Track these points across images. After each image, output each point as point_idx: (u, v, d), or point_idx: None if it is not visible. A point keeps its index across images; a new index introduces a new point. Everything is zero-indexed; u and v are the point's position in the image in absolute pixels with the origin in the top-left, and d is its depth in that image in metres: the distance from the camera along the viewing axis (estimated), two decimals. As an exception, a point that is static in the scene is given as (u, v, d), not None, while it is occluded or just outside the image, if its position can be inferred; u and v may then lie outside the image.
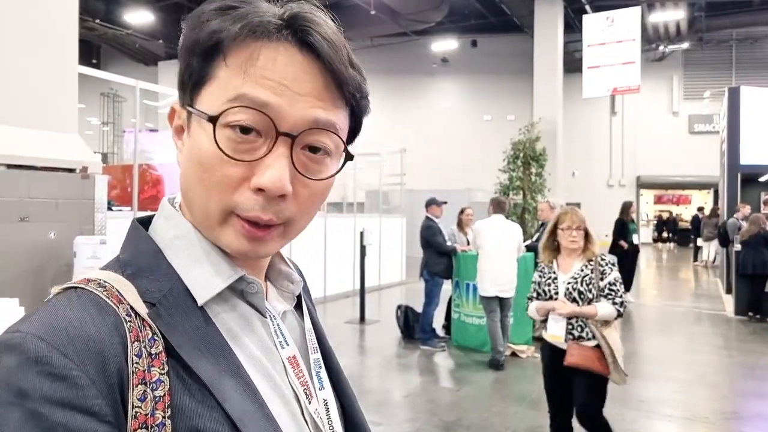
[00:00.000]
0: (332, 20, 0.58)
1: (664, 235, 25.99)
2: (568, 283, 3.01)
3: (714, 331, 7.62)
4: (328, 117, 0.55)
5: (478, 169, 20.85)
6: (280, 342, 0.61)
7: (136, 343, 0.49)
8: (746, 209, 9.40)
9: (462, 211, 6.83)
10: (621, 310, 2.94)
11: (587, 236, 3.05)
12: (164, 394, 0.49)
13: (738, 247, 8.31)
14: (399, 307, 6.76)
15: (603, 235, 9.71)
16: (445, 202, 6.71)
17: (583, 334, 2.96)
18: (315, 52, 0.54)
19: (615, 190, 23.31)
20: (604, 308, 2.93)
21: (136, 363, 0.49)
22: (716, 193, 17.34)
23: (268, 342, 0.60)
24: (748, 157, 10.25)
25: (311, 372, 0.64)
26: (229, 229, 0.55)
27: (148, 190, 9.00)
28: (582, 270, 3.02)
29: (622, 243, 9.00)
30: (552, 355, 3.10)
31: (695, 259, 16.86)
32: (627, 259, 9.13)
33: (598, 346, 2.94)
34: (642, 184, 24.14)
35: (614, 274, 2.99)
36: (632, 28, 15.05)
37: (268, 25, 0.53)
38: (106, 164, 9.52)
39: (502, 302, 5.55)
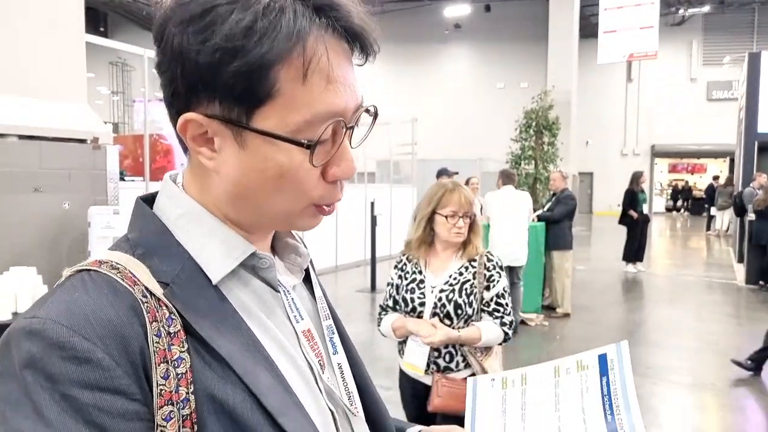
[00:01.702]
0: None
1: (678, 203, 25.74)
2: (441, 291, 2.08)
3: (724, 299, 7.61)
4: (361, 92, 0.58)
5: (490, 138, 20.66)
6: (295, 316, 0.63)
7: (154, 323, 0.50)
8: (762, 178, 9.26)
9: (467, 181, 6.82)
10: (510, 333, 2.10)
11: (472, 226, 2.15)
12: (186, 371, 0.50)
13: (752, 216, 8.22)
14: (409, 276, 6.81)
15: (615, 206, 9.66)
16: (456, 173, 6.70)
17: (452, 365, 2.06)
18: (352, 36, 0.55)
19: (629, 159, 23.04)
20: (489, 332, 2.06)
21: (156, 342, 0.49)
22: (732, 161, 17.06)
23: (282, 316, 0.62)
24: (766, 124, 10.04)
25: (325, 339, 0.67)
26: (306, 216, 0.59)
27: (160, 160, 9.05)
28: (461, 274, 2.11)
29: (632, 213, 9.00)
30: (412, 391, 2.16)
31: (708, 228, 16.74)
32: (637, 228, 9.15)
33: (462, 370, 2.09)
34: (656, 153, 23.81)
35: (503, 282, 2.14)
36: (651, -9, 14.61)
37: (304, 22, 0.51)
38: (117, 134, 9.57)
39: (512, 271, 5.59)
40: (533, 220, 6.09)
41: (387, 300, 2.23)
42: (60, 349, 0.45)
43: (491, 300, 2.10)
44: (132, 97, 22.26)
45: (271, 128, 0.52)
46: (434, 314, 2.06)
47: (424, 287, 2.11)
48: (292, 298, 0.64)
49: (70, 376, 0.45)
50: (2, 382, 0.46)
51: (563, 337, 5.63)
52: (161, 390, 0.48)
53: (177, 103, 0.55)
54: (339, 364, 0.67)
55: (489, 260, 2.14)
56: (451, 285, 2.09)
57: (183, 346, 0.51)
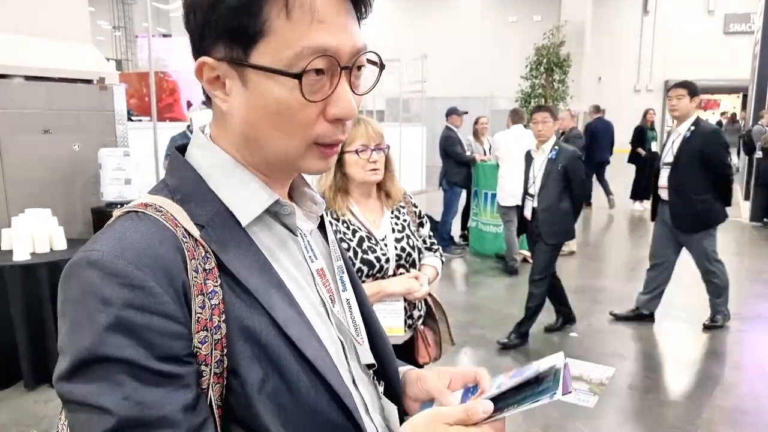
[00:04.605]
0: None
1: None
2: (397, 240, 1.90)
3: (727, 236, 7.65)
4: (363, 41, 0.61)
5: (501, 75, 20.17)
6: (310, 256, 0.71)
7: (192, 260, 0.57)
8: (769, 115, 9.10)
9: (476, 121, 6.80)
10: (443, 260, 2.11)
11: (387, 165, 1.91)
12: (219, 302, 0.57)
13: (760, 154, 8.14)
14: (417, 215, 6.91)
15: (627, 143, 9.58)
16: (466, 112, 6.65)
17: (422, 311, 2.00)
18: None
19: (642, 95, 22.51)
20: (438, 266, 2.06)
21: (194, 277, 0.57)
22: (745, 97, 16.65)
23: (299, 257, 0.69)
24: (783, 59, 9.76)
25: (336, 277, 0.75)
26: (311, 157, 0.63)
27: (166, 98, 8.96)
28: (397, 218, 1.96)
29: (640, 150, 8.93)
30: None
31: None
32: (645, 166, 9.05)
33: (425, 317, 2.02)
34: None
35: (425, 215, 2.10)
36: None
37: None
38: (120, 71, 9.42)
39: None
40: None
41: None
42: (117, 277, 0.52)
43: (427, 237, 2.07)
44: (134, 32, 21.74)
45: (267, 64, 0.57)
46: (399, 266, 1.88)
47: (376, 242, 1.85)
48: (308, 241, 0.71)
49: (125, 300, 0.52)
50: (69, 305, 0.54)
51: (567, 274, 5.75)
52: (198, 317, 0.56)
53: (195, 49, 0.61)
54: (347, 299, 0.75)
55: (411, 197, 2.07)
56: (399, 232, 1.92)
57: (216, 281, 0.58)
